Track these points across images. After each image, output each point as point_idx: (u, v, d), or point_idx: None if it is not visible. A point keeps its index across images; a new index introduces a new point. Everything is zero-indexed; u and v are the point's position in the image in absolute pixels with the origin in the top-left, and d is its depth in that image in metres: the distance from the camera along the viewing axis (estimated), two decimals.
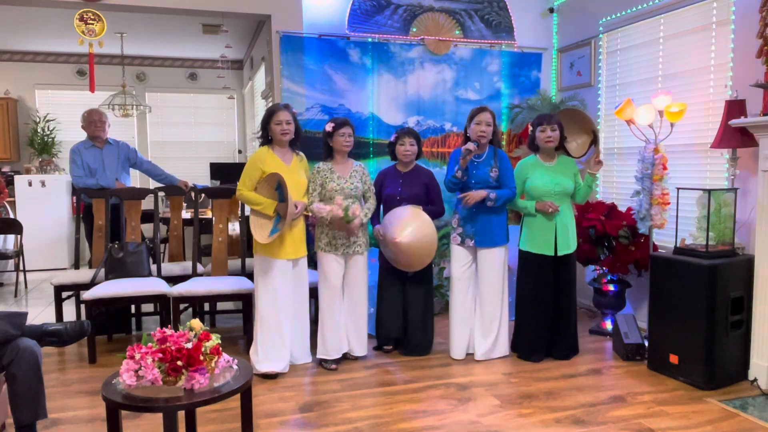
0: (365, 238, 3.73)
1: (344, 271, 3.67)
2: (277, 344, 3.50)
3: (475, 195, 3.60)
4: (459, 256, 3.78)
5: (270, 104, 3.79)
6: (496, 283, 3.73)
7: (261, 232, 3.42)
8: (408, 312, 3.89)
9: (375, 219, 3.85)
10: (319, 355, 3.66)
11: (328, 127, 3.65)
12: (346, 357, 3.79)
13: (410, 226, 3.58)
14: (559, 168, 3.74)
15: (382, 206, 3.88)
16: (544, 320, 3.77)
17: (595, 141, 4.07)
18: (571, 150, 3.88)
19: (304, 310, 3.69)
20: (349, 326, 3.74)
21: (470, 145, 3.57)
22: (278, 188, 3.44)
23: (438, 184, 3.89)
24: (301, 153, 3.68)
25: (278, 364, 3.50)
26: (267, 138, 3.54)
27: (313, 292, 3.85)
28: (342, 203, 3.51)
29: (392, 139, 3.89)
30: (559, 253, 3.69)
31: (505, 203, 3.69)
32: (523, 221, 3.81)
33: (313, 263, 3.89)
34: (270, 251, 3.46)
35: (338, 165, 3.67)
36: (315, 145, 4.19)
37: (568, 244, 3.71)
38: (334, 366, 3.64)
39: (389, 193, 3.83)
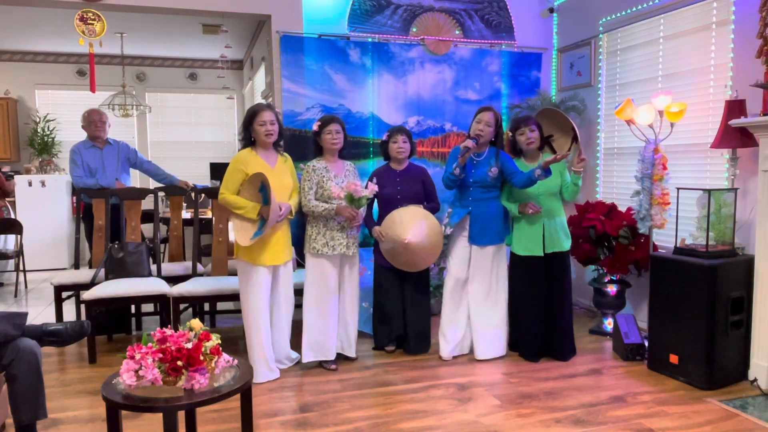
0: (357, 239, 3.73)
1: (338, 272, 3.65)
2: (258, 352, 3.40)
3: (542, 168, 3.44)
4: (457, 253, 3.81)
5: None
6: (490, 280, 3.76)
7: (242, 235, 3.30)
8: (406, 311, 3.89)
9: (369, 220, 3.84)
10: (310, 357, 3.62)
11: (315, 126, 3.65)
12: (345, 358, 3.79)
13: (420, 226, 3.59)
14: None
15: (378, 206, 3.88)
16: (539, 320, 3.77)
17: (575, 138, 4.05)
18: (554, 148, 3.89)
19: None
20: (341, 327, 3.72)
21: (468, 142, 3.57)
22: (262, 189, 3.33)
23: (433, 181, 3.92)
24: (286, 154, 3.60)
25: (266, 372, 3.43)
26: (249, 139, 3.46)
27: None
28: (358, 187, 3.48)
29: (384, 137, 3.91)
30: (548, 251, 3.68)
31: (525, 185, 3.58)
32: (513, 224, 3.82)
33: (300, 264, 3.86)
34: (250, 256, 3.34)
35: (331, 164, 3.65)
36: None
37: (558, 242, 3.69)
38: (333, 366, 3.64)
39: (388, 192, 3.82)
